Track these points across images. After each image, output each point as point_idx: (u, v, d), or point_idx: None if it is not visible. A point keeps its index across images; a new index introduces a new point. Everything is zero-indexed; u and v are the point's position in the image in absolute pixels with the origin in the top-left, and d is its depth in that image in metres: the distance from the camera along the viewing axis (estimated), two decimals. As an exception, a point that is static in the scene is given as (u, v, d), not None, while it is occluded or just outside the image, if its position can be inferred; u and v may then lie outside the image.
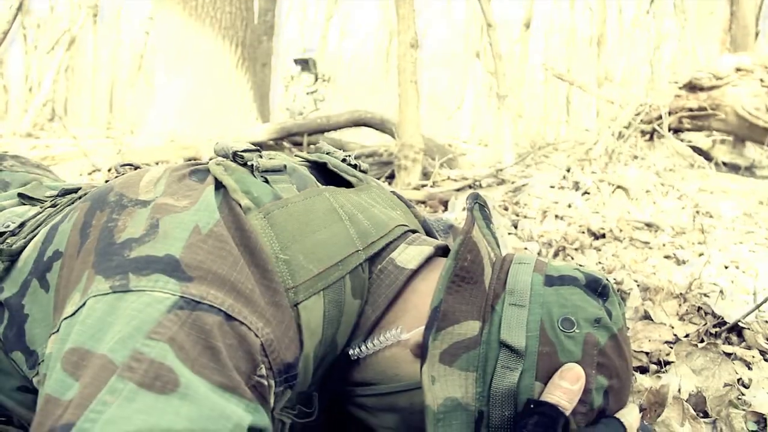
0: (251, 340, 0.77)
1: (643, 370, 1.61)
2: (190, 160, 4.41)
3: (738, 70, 5.65)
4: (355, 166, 1.15)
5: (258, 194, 0.91)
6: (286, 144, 5.51)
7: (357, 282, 0.93)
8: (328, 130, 5.44)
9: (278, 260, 0.86)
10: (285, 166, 0.99)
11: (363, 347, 0.94)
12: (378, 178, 4.35)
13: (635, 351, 1.67)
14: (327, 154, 1.14)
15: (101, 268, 0.79)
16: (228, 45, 5.33)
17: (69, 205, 1.02)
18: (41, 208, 1.09)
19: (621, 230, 3.10)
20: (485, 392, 0.83)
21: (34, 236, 0.98)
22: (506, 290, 0.90)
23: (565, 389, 0.82)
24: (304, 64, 8.46)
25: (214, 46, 5.27)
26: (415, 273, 0.98)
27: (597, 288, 0.91)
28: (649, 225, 3.20)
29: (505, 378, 0.83)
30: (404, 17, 4.11)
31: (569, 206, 3.59)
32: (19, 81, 13.57)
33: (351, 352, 0.94)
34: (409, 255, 0.99)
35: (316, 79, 8.49)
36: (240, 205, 0.89)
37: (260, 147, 1.20)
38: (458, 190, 3.86)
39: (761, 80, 5.48)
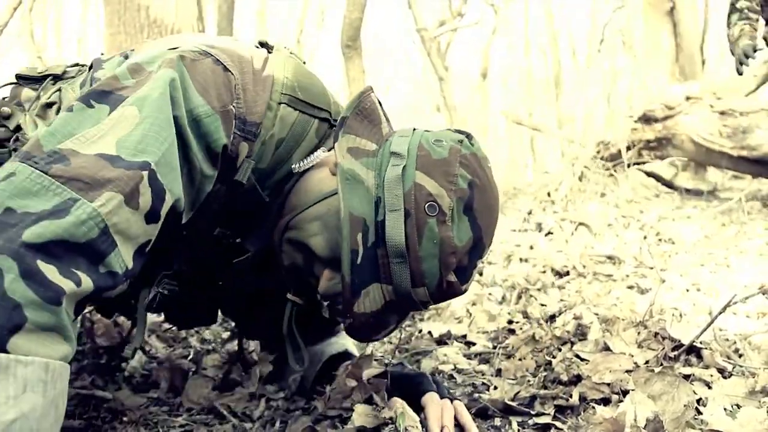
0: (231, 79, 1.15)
1: (606, 401, 1.62)
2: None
3: (688, 98, 5.78)
4: None
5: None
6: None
7: (321, 130, 1.31)
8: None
9: (284, 78, 1.23)
10: None
11: (301, 162, 1.27)
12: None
13: (596, 383, 1.68)
14: None
15: None
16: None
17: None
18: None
19: (584, 266, 3.13)
20: (381, 183, 1.16)
21: None
22: (394, 133, 1.28)
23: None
24: None
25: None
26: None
27: (462, 132, 1.27)
28: (610, 258, 3.24)
29: (393, 170, 1.16)
30: (355, 79, 4.19)
31: (531, 248, 3.61)
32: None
33: (294, 166, 1.26)
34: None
35: None
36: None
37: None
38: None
39: (711, 106, 5.60)
